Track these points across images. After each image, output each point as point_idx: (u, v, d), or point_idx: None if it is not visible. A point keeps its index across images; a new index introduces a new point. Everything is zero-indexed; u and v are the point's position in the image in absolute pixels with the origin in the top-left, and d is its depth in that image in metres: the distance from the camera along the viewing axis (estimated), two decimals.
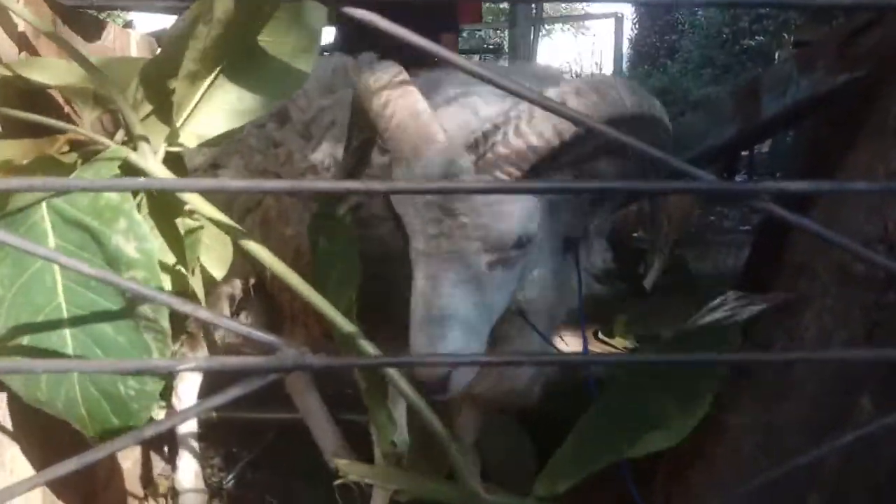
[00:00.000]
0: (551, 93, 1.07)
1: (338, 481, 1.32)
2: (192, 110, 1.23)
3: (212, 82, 1.21)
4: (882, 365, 1.18)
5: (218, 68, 1.20)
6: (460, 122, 1.15)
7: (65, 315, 1.12)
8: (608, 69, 11.91)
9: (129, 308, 1.11)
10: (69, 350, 1.12)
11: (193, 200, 1.18)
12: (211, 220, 1.19)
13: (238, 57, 1.19)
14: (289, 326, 1.96)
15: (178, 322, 1.56)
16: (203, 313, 0.77)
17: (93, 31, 1.84)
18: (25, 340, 1.12)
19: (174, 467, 2.22)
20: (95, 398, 1.14)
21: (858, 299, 1.23)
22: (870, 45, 1.39)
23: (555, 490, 1.16)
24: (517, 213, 1.13)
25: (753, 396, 1.29)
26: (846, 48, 1.43)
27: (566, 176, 1.19)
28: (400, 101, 1.13)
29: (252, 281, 1.87)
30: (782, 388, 1.26)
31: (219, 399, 0.71)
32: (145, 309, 1.11)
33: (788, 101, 1.64)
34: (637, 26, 19.00)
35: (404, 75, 1.19)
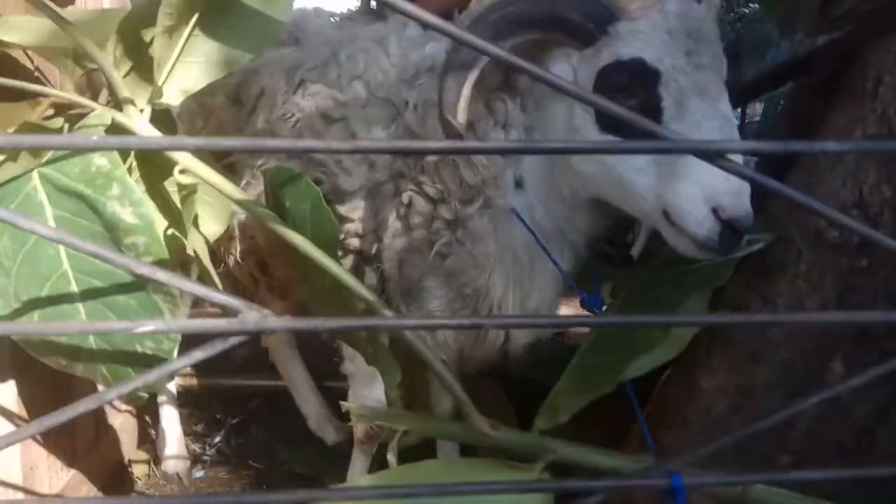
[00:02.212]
0: None
1: (350, 422, 1.38)
2: (174, 65, 1.20)
3: (189, 34, 1.18)
4: (854, 329, 1.19)
5: (194, 19, 1.17)
6: None
7: (72, 282, 1.13)
8: None
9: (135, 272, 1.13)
10: (82, 317, 1.14)
11: (186, 160, 1.15)
12: (207, 181, 1.16)
13: (212, 8, 1.16)
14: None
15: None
16: (161, 275, 0.75)
17: None
18: (37, 313, 1.14)
19: (156, 434, 2.23)
20: (113, 357, 1.17)
21: (832, 265, 1.23)
22: (849, 5, 1.37)
23: (556, 422, 1.16)
24: None
25: (726, 360, 1.30)
26: (826, 9, 1.42)
27: None
28: None
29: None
30: (755, 352, 1.27)
31: (182, 362, 0.70)
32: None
33: (768, 63, 1.63)
34: None
35: None
